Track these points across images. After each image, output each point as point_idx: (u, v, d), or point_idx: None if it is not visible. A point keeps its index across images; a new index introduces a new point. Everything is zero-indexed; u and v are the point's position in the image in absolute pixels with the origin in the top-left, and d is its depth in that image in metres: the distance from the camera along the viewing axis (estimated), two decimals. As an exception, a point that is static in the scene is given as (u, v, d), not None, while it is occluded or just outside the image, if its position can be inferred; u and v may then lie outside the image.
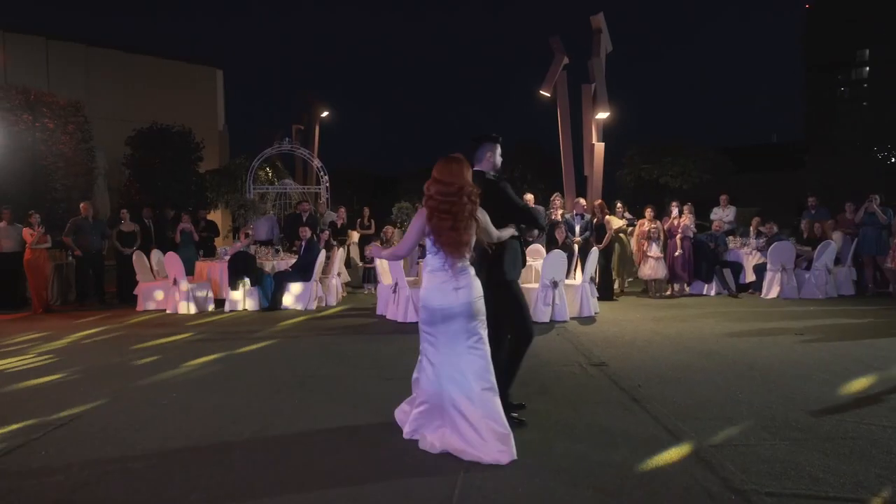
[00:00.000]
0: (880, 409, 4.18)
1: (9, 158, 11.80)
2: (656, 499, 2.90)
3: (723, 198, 12.74)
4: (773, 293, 10.27)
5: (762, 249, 10.81)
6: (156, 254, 10.46)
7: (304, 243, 9.98)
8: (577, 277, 9.06)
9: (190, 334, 7.70)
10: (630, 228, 11.22)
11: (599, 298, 9.99)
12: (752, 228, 11.89)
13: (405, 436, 3.69)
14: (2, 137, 11.66)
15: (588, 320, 8.27)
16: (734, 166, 21.49)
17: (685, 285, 10.91)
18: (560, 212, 10.83)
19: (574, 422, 4.04)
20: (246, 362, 6.07)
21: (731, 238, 11.80)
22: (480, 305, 3.58)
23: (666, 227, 10.84)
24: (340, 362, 5.96)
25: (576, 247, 9.67)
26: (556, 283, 8.08)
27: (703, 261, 10.70)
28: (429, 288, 3.57)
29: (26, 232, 9.79)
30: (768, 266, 10.37)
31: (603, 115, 10.82)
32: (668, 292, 10.77)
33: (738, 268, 10.89)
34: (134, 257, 10.11)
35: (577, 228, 10.21)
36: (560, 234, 9.69)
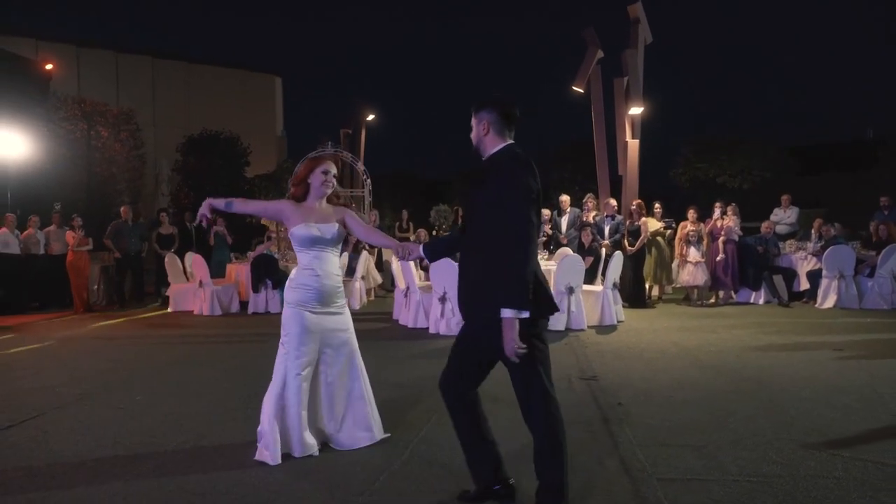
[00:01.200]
0: (893, 445, 3.55)
1: (66, 165, 12.52)
2: (562, 540, 2.52)
3: (784, 198, 11.76)
4: (829, 302, 9.30)
5: (818, 254, 9.82)
6: (189, 256, 10.75)
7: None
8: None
9: (202, 335, 7.81)
10: (668, 231, 10.49)
11: (631, 306, 9.43)
12: (813, 231, 10.86)
13: None
14: (59, 146, 12.38)
15: (607, 329, 7.74)
16: (802, 164, 19.83)
17: (731, 293, 10.09)
18: (592, 214, 10.29)
19: (519, 441, 3.65)
20: (236, 364, 6.03)
21: (789, 242, 10.84)
22: None
23: (707, 229, 10.06)
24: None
25: (603, 251, 9.10)
26: (571, 289, 7.61)
27: (749, 266, 9.85)
28: None
29: (69, 235, 10.31)
30: (824, 272, 9.40)
31: (637, 111, 10.17)
32: (712, 300, 9.99)
33: (790, 274, 9.95)
34: (166, 259, 10.43)
35: (607, 231, 9.64)
36: (586, 237, 9.17)
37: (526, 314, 2.42)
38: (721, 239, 9.79)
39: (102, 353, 6.79)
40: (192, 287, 10.17)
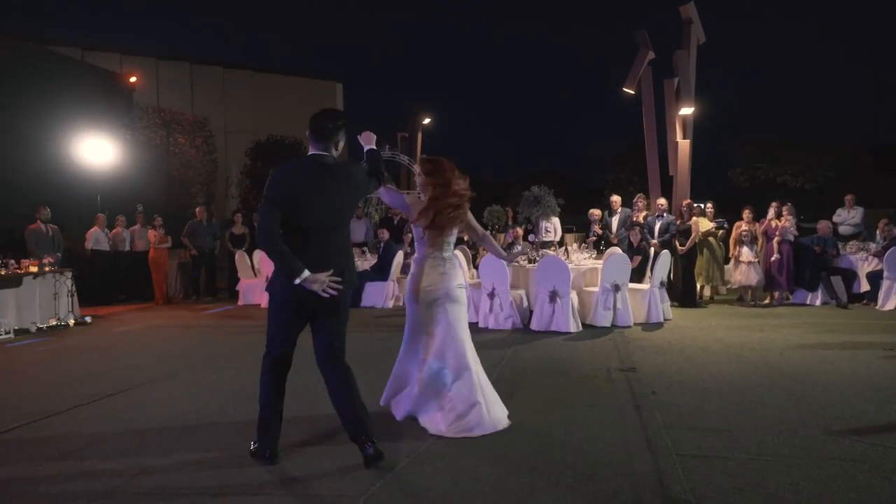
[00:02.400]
0: (918, 433, 3.67)
1: (147, 170, 13.57)
2: (581, 498, 2.84)
3: (848, 198, 11.46)
4: (891, 304, 9.09)
5: (879, 255, 9.59)
6: (257, 254, 11.49)
7: (382, 245, 10.48)
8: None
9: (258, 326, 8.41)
10: (721, 231, 10.46)
11: (680, 305, 9.51)
12: (878, 232, 10.57)
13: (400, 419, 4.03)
14: (141, 152, 13.43)
15: (653, 327, 7.89)
16: (878, 163, 19.01)
17: (786, 294, 9.98)
18: (643, 214, 10.39)
19: (551, 421, 3.97)
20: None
21: (851, 242, 10.58)
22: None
23: (762, 229, 9.98)
24: (373, 357, 6.25)
25: (651, 250, 9.22)
26: (617, 286, 7.80)
27: (805, 267, 9.72)
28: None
29: (151, 233, 11.25)
30: (885, 273, 9.19)
31: (688, 111, 10.19)
32: (766, 301, 9.91)
33: (850, 275, 9.75)
34: (237, 256, 11.21)
35: (656, 230, 9.73)
36: (635, 237, 9.31)
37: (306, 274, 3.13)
38: (776, 239, 9.71)
39: (181, 339, 7.51)
40: (259, 282, 10.89)
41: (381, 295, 10.15)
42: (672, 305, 9.42)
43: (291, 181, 3.25)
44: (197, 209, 11.96)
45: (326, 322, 3.34)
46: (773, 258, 9.68)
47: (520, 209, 9.44)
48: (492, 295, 7.94)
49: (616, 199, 10.81)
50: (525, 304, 8.15)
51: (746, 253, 9.75)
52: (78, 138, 11.91)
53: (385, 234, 10.47)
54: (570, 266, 8.33)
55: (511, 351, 6.45)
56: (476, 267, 9.07)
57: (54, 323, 8.50)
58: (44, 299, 8.59)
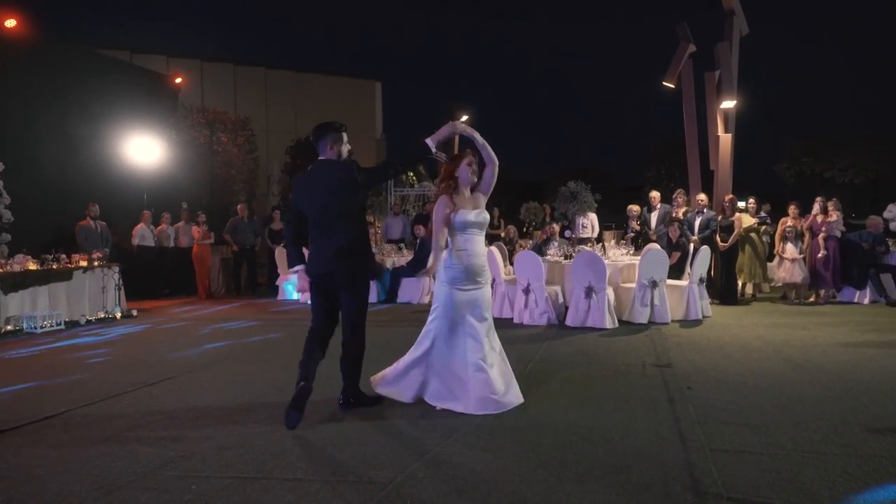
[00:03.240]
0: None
1: (191, 168, 13.97)
2: (608, 489, 2.82)
3: (900, 193, 11.02)
4: (946, 303, 8.69)
5: (932, 252, 9.18)
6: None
7: (418, 240, 10.55)
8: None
9: (304, 319, 8.57)
10: (764, 228, 10.17)
11: (721, 302, 9.31)
12: (934, 227, 10.14)
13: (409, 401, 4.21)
14: (186, 151, 13.85)
15: (692, 323, 7.73)
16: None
17: (832, 291, 9.64)
18: (682, 210, 10.18)
19: (582, 414, 3.95)
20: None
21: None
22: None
23: (807, 225, 9.67)
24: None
25: (691, 246, 9.03)
26: (654, 282, 7.68)
27: (853, 264, 9.38)
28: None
29: (194, 230, 11.59)
30: (939, 271, 8.79)
31: (729, 105, 9.93)
32: (812, 299, 9.60)
33: (901, 273, 9.35)
34: (276, 252, 11.44)
35: (696, 226, 9.53)
36: (674, 233, 9.13)
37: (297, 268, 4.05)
38: (821, 235, 9.39)
39: (222, 332, 7.71)
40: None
41: (418, 291, 10.22)
42: (712, 303, 9.22)
43: (298, 185, 4.08)
44: (238, 206, 12.26)
45: (343, 298, 4.02)
46: (819, 255, 9.37)
47: (556, 205, 9.35)
48: (527, 290, 7.91)
49: (655, 194, 10.62)
50: (560, 300, 8.10)
51: (791, 249, 9.46)
52: (126, 138, 12.36)
53: (421, 231, 10.54)
54: (606, 262, 8.24)
55: (545, 346, 6.43)
56: (512, 263, 9.05)
57: (102, 315, 8.85)
58: (93, 292, 8.94)
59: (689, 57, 10.30)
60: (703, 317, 8.09)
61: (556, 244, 9.39)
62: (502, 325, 7.95)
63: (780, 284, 9.87)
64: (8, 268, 7.99)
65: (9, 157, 10.12)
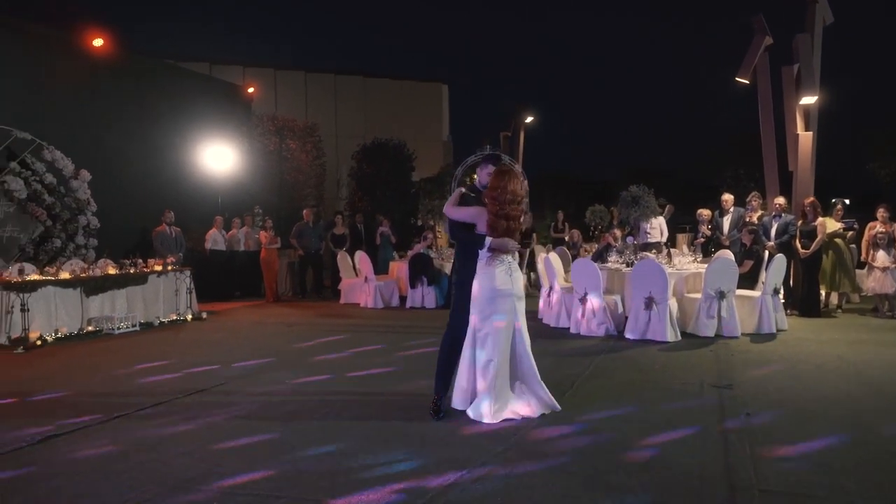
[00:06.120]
0: None
1: (262, 174, 14.47)
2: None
3: None
4: None
5: None
6: (358, 254, 11.90)
7: (477, 246, 10.44)
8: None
9: (363, 323, 8.68)
10: (850, 233, 9.38)
11: (801, 314, 8.68)
12: None
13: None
14: (256, 157, 14.35)
15: (764, 338, 7.22)
16: None
17: (931, 303, 8.76)
18: (758, 214, 9.56)
19: (622, 439, 3.72)
20: (392, 344, 6.70)
21: None
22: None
23: (898, 230, 8.83)
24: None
25: (765, 254, 8.45)
26: (722, 293, 7.23)
27: (956, 273, 8.47)
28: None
29: (262, 234, 11.99)
30: None
31: (809, 100, 9.19)
32: (906, 311, 8.76)
33: None
34: (338, 256, 11.66)
35: (773, 232, 8.91)
36: (747, 239, 8.58)
37: None
38: (917, 241, 8.55)
39: (279, 335, 7.89)
40: (359, 282, 11.26)
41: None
42: (791, 314, 8.64)
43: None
44: (304, 211, 12.58)
45: None
46: (914, 263, 8.53)
47: (618, 210, 9.01)
48: (584, 299, 7.65)
49: (727, 197, 10.02)
50: (620, 309, 7.77)
51: (882, 257, 8.68)
52: (203, 146, 12.95)
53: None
54: (670, 270, 7.85)
55: (598, 359, 6.17)
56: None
57: (174, 317, 9.29)
58: (166, 295, 9.41)
59: (766, 50, 9.65)
60: (778, 330, 7.54)
61: (617, 250, 9.06)
62: (558, 334, 7.76)
63: (870, 295, 9.08)
64: (90, 272, 8.52)
65: (97, 168, 10.83)
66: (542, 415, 4.22)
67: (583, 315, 7.67)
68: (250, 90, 15.08)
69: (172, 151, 12.76)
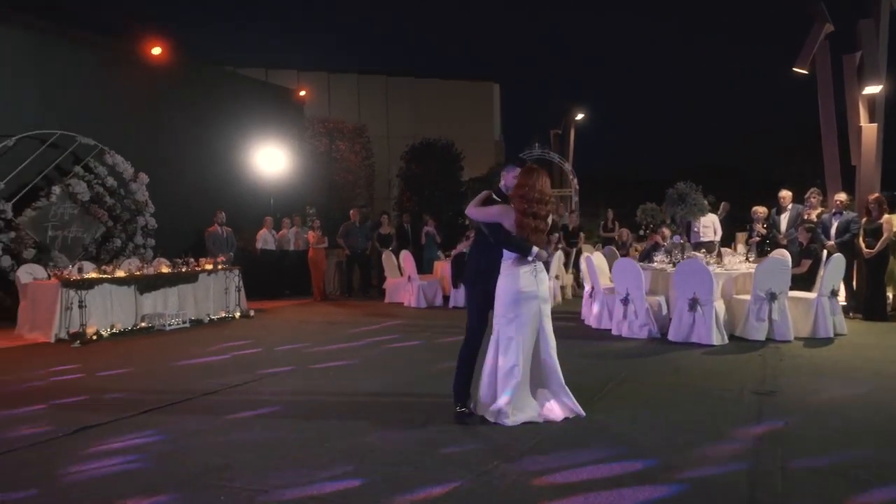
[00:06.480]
0: None
1: (312, 175, 14.78)
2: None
3: None
4: None
5: None
6: (403, 253, 11.96)
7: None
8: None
9: (406, 323, 8.72)
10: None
11: (865, 317, 8.15)
12: None
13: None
14: (307, 159, 14.68)
15: (819, 343, 6.81)
16: None
17: None
18: (817, 211, 9.03)
19: (647, 445, 3.57)
20: (406, 351, 6.70)
21: None
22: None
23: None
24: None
25: (824, 253, 7.97)
26: (773, 294, 6.85)
27: None
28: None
29: (310, 234, 12.23)
30: None
31: (874, 90, 8.59)
32: None
33: None
34: (383, 256, 11.76)
35: (833, 230, 8.40)
36: (804, 237, 8.12)
37: None
38: None
39: (321, 333, 8.01)
40: (403, 281, 11.33)
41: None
42: (854, 318, 8.14)
43: None
44: (351, 211, 12.76)
45: None
46: None
47: (664, 208, 8.69)
48: (626, 301, 7.42)
49: (785, 194, 9.50)
50: (665, 311, 7.50)
51: (956, 257, 8.03)
52: (256, 149, 13.35)
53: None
54: (719, 270, 7.53)
55: (636, 363, 5.98)
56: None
57: (223, 315, 9.60)
58: (216, 293, 9.73)
59: (826, 38, 9.10)
60: (836, 334, 7.10)
61: (665, 250, 8.76)
62: (600, 336, 7.57)
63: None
64: (144, 271, 8.91)
65: (155, 171, 11.34)
66: (566, 419, 4.11)
67: (624, 316, 7.45)
68: (302, 93, 15.43)
69: (227, 154, 13.20)
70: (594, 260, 8.50)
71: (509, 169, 4.40)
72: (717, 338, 6.76)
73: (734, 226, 12.62)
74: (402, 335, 7.77)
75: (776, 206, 9.53)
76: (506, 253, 4.16)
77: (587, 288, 8.70)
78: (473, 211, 4.31)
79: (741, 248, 10.51)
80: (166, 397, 4.86)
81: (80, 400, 4.87)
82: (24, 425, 4.19)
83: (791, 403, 4.45)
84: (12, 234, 9.24)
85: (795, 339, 6.91)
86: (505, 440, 3.75)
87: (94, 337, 7.62)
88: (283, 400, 4.79)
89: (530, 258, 4.08)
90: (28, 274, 8.51)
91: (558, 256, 10.72)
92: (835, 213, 8.52)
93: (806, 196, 9.24)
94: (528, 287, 4.10)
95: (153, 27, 12.53)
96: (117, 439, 3.88)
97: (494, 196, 4.34)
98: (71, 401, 4.84)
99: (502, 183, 4.43)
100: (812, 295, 7.26)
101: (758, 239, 9.67)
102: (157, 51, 11.94)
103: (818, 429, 3.88)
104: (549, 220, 4.35)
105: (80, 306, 7.75)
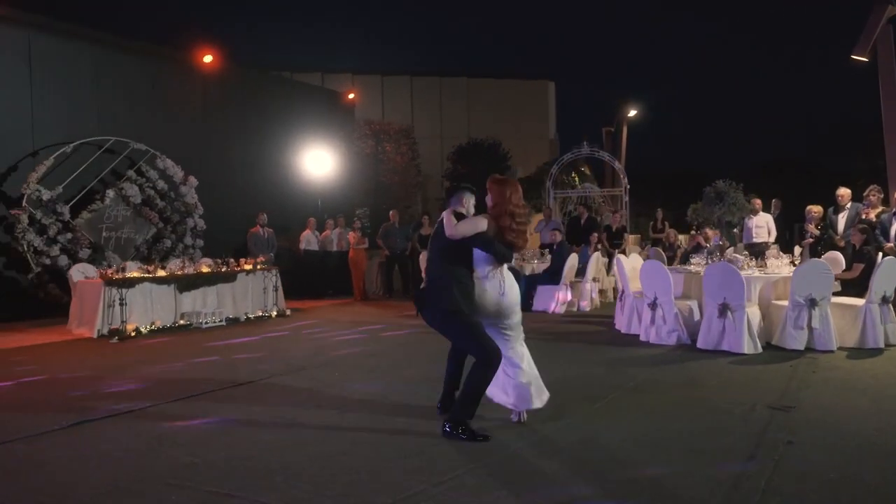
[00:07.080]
0: None
1: (359, 177, 15.00)
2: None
3: None
4: None
5: None
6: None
7: (555, 247, 10.06)
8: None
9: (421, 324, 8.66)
10: None
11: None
12: None
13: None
14: (354, 161, 14.91)
15: (865, 354, 6.25)
16: None
17: None
18: (876, 211, 8.33)
19: (628, 464, 3.36)
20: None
21: None
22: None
23: None
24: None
25: (879, 256, 7.33)
26: (814, 300, 6.35)
27: None
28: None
29: (351, 235, 12.41)
30: None
31: (941, 77, 7.82)
32: None
33: None
34: (420, 256, 11.74)
35: (893, 232, 7.71)
36: (858, 239, 7.50)
37: None
38: None
39: (349, 335, 8.09)
40: (440, 282, 11.27)
41: (552, 299, 9.76)
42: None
43: None
44: (391, 212, 12.86)
45: None
46: None
47: (701, 207, 8.26)
48: (653, 305, 7.09)
49: (844, 192, 8.82)
50: (697, 316, 7.10)
51: None
52: (304, 152, 13.69)
53: (557, 237, 10.04)
54: (759, 274, 7.08)
55: (655, 370, 5.68)
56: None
57: (261, 314, 9.86)
58: (255, 292, 10.01)
59: (888, 23, 8.36)
60: (887, 345, 6.50)
61: (708, 252, 8.32)
62: (627, 342, 7.27)
63: None
64: (184, 271, 9.28)
65: (205, 174, 11.81)
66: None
67: (652, 322, 7.11)
68: (350, 96, 15.69)
69: (275, 157, 13.59)
70: (624, 262, 8.17)
71: (460, 194, 4.14)
72: (749, 346, 6.33)
73: (787, 226, 11.86)
74: (417, 337, 7.73)
75: (834, 205, 8.86)
76: (480, 269, 3.99)
77: (619, 291, 8.38)
78: (454, 229, 3.85)
79: (796, 250, 9.85)
80: (172, 392, 5.01)
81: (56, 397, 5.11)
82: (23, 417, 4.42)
83: (807, 421, 4.09)
84: (69, 236, 9.87)
85: (839, 349, 6.38)
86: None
87: (133, 333, 8.00)
88: (295, 395, 4.83)
89: (509, 265, 4.03)
90: (80, 272, 9.04)
91: (596, 258, 10.39)
92: (895, 213, 7.83)
93: (865, 194, 8.54)
94: (495, 299, 4.02)
95: (207, 36, 13.10)
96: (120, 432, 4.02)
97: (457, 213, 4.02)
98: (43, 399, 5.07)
99: (465, 209, 4.08)
100: (860, 301, 6.68)
101: (811, 240, 9.02)
102: (208, 58, 12.43)
103: (825, 451, 3.54)
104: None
105: (121, 304, 8.15)
